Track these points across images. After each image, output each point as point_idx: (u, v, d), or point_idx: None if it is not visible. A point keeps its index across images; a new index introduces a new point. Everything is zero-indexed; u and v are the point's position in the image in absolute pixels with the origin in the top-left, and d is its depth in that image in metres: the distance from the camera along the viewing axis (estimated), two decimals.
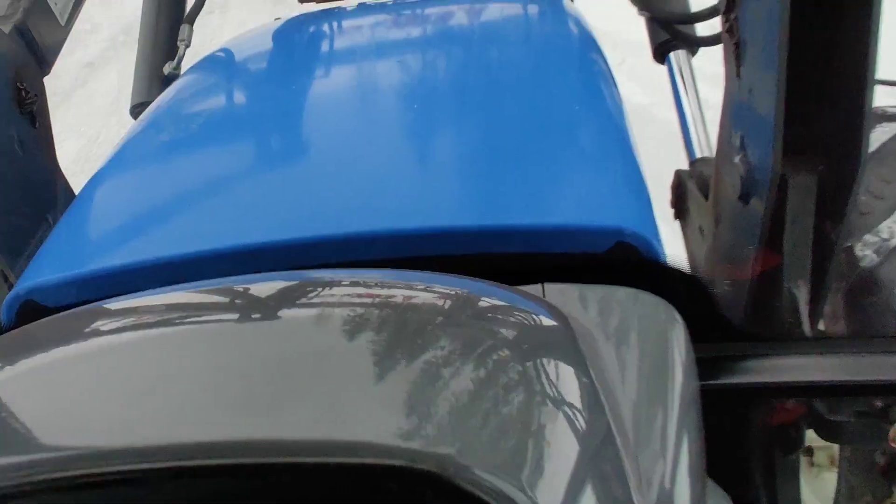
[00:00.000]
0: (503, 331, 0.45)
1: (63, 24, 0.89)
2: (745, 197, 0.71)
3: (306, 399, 0.38)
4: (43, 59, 0.83)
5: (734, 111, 0.74)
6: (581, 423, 0.40)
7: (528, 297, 0.50)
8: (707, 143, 1.08)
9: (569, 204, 0.67)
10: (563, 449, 0.38)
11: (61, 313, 0.50)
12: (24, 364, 0.44)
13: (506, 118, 0.80)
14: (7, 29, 0.79)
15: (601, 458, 0.39)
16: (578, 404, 0.41)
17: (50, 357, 0.44)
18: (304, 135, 0.81)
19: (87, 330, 0.47)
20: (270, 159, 0.77)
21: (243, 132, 0.82)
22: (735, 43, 0.71)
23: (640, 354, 0.54)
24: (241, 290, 0.49)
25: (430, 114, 0.82)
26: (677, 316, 0.57)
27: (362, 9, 1.21)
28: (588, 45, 1.02)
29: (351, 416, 0.37)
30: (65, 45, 0.91)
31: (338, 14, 1.20)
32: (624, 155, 0.78)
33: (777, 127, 0.63)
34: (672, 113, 1.16)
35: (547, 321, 0.48)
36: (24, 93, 0.77)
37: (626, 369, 0.50)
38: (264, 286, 0.49)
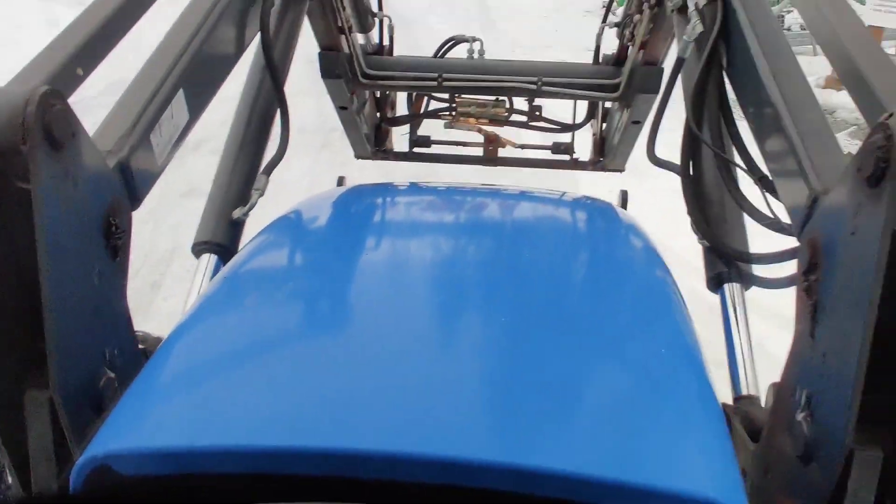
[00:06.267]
0: None
1: (159, 163, 0.92)
2: (805, 458, 0.70)
3: None
4: (135, 196, 0.85)
5: (802, 368, 0.73)
6: None
7: None
8: (754, 381, 1.05)
9: (652, 461, 0.62)
10: None
11: None
12: None
13: (574, 343, 0.78)
14: (112, 164, 0.82)
15: None
16: None
17: None
18: (377, 328, 0.81)
19: None
20: (342, 348, 0.77)
21: (321, 313, 0.83)
22: (812, 304, 0.71)
23: None
24: None
25: (499, 334, 0.81)
26: None
27: (419, 190, 1.30)
28: (653, 261, 1.04)
29: None
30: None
31: (406, 191, 1.30)
32: (705, 400, 0.74)
33: (854, 400, 0.62)
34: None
35: None
36: (114, 227, 0.79)
37: None
38: None
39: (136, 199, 0.86)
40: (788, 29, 7.14)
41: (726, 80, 1.15)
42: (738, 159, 1.09)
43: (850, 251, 0.65)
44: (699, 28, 1.18)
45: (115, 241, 0.80)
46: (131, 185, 0.84)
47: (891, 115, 0.62)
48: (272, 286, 0.91)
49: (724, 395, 0.96)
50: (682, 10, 1.35)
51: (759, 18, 1.07)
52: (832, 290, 0.68)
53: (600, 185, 2.48)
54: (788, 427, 0.73)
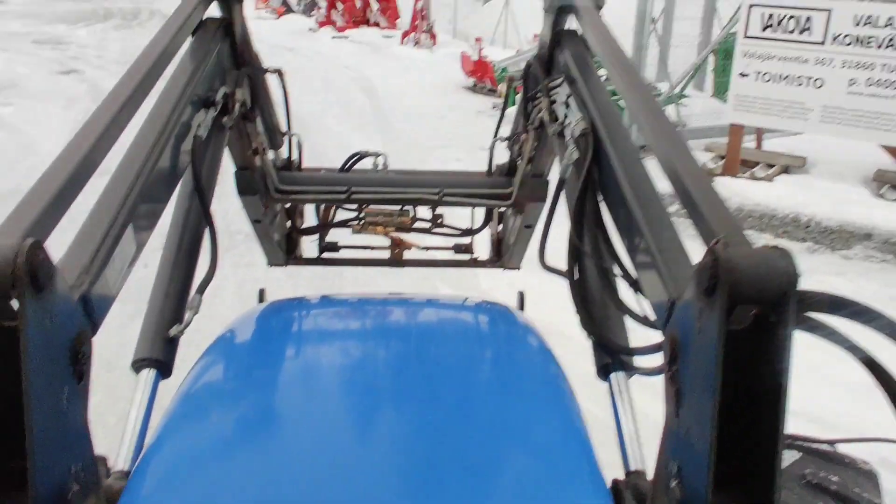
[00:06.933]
0: None
1: (113, 292, 1.03)
2: None
3: None
4: (95, 324, 0.94)
5: (672, 443, 0.89)
6: None
7: None
8: (641, 457, 1.21)
9: None
10: None
11: None
12: None
13: (481, 435, 0.97)
14: (76, 297, 0.92)
15: None
16: None
17: None
18: (326, 430, 1.00)
19: None
20: (301, 449, 0.95)
21: (277, 421, 1.00)
22: (676, 389, 0.88)
23: None
24: None
25: (419, 433, 0.99)
26: None
27: (338, 303, 1.54)
28: (546, 358, 1.23)
29: None
30: None
31: (326, 305, 1.52)
32: (591, 474, 0.95)
33: (710, 467, 0.78)
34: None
35: None
36: (80, 355, 0.89)
37: None
38: None
39: (95, 327, 0.96)
40: None
41: (601, 199, 1.36)
42: (615, 267, 1.29)
43: (698, 346, 0.83)
44: (575, 155, 1.39)
45: (80, 367, 0.89)
46: (92, 314, 0.94)
47: (717, 242, 0.81)
48: (230, 401, 1.07)
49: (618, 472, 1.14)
50: (562, 134, 1.57)
51: (621, 149, 1.29)
52: (688, 378, 0.85)
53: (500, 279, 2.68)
54: (666, 493, 0.89)
